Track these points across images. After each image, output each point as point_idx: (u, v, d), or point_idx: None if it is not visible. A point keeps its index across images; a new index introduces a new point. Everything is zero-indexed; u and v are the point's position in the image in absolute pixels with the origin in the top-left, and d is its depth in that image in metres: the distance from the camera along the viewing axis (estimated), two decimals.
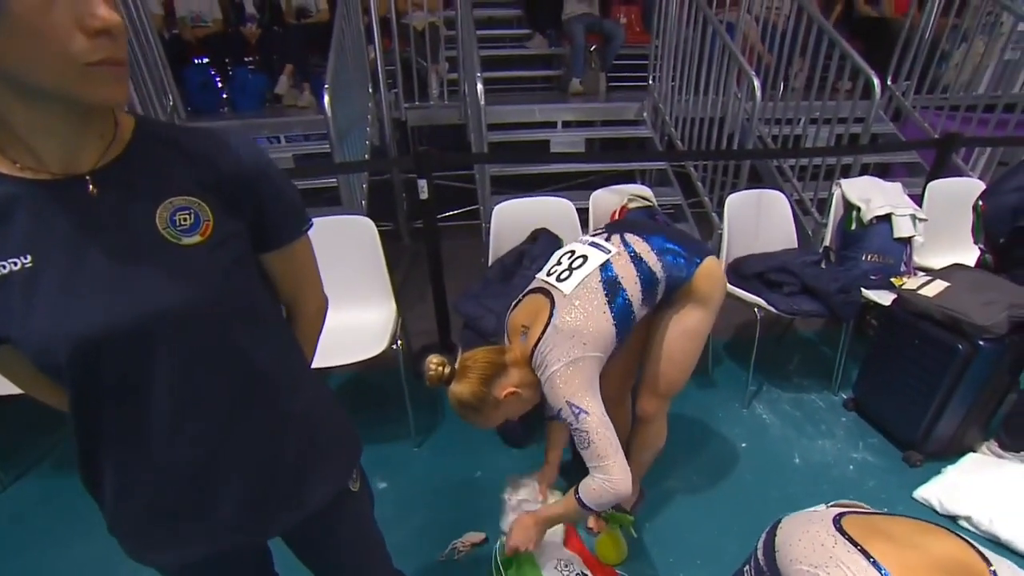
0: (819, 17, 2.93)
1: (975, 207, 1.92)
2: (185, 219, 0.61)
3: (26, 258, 0.55)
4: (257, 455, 0.72)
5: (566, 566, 1.35)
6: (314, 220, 2.03)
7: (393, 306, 1.99)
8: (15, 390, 0.72)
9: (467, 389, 1.19)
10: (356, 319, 1.95)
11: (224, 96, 4.09)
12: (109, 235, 0.58)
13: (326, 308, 0.86)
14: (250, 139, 0.68)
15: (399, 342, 1.88)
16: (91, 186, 0.57)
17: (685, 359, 1.39)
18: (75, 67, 0.50)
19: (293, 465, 0.75)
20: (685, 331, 1.35)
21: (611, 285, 1.21)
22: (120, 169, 0.59)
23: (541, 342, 1.18)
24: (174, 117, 3.39)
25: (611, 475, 1.13)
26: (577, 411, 1.13)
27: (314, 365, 1.62)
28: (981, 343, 1.81)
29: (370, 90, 3.45)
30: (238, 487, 0.71)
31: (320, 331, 0.87)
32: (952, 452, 1.97)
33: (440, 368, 1.20)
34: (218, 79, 4.14)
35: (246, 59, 4.12)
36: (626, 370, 1.55)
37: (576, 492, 1.19)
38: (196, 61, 4.01)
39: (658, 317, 1.38)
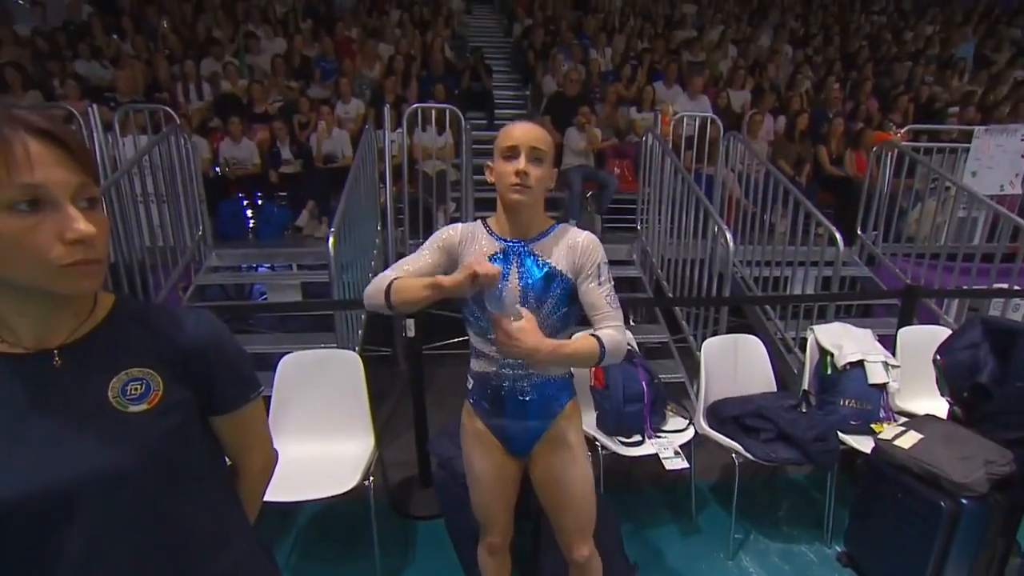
0: (783, 179, 3.26)
1: (934, 361, 1.98)
2: (136, 389, 0.68)
3: None
4: None
5: None
6: (306, 352, 2.14)
7: (371, 440, 2.02)
8: None
9: None
10: (332, 451, 1.99)
11: (250, 225, 4.52)
12: (59, 405, 0.65)
13: (274, 465, 0.91)
14: (207, 315, 0.77)
15: (371, 478, 1.89)
16: (57, 359, 0.65)
17: (591, 492, 1.38)
18: (50, 269, 0.58)
19: None
20: (583, 469, 1.35)
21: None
22: (87, 344, 0.67)
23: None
24: (201, 244, 3.73)
25: (624, 332, 1.20)
26: (608, 272, 1.22)
27: (280, 499, 1.65)
28: (964, 501, 1.77)
29: (379, 227, 3.80)
30: None
31: (265, 487, 0.92)
32: None
33: None
34: (248, 211, 4.61)
35: (278, 194, 4.61)
36: (509, 521, 1.49)
37: (594, 334, 1.17)
38: (239, 195, 4.51)
39: (550, 466, 1.35)
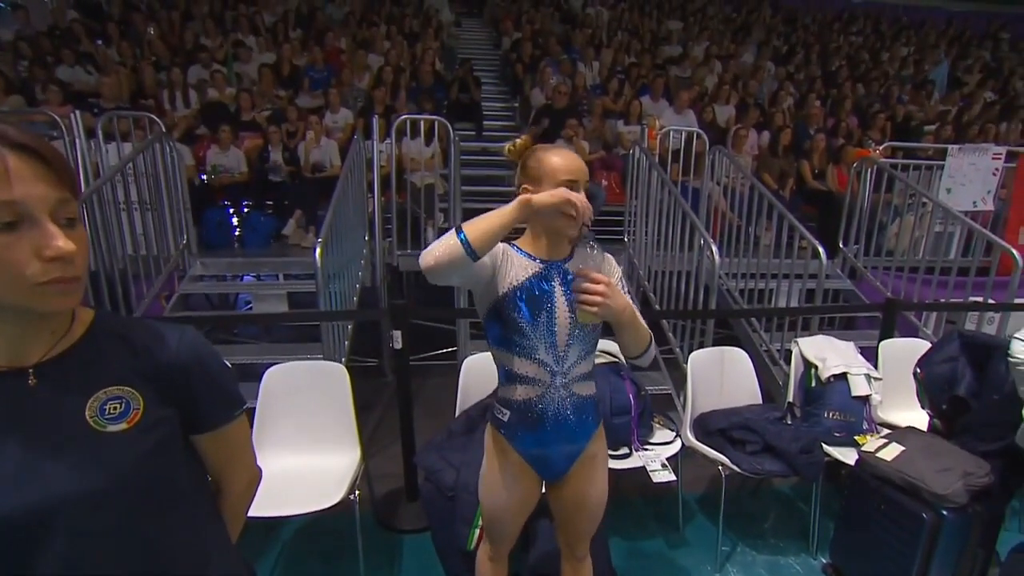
0: (768, 194, 3.32)
1: (915, 374, 2.02)
2: (115, 408, 0.66)
3: None
4: None
5: None
6: (292, 363, 2.11)
7: (357, 453, 2.00)
8: None
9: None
10: (318, 464, 1.96)
11: (236, 233, 4.47)
12: (34, 425, 0.63)
13: (257, 482, 0.90)
14: (190, 331, 0.75)
15: (357, 492, 1.87)
16: (31, 378, 0.63)
17: (605, 501, 1.41)
18: (27, 286, 0.57)
19: None
20: (605, 482, 1.38)
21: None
22: (64, 362, 0.65)
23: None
24: (185, 253, 3.68)
25: None
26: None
27: (264, 514, 1.62)
28: (944, 513, 1.80)
29: (366, 237, 3.78)
30: None
31: (248, 506, 0.90)
32: None
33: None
34: (234, 218, 4.56)
35: (265, 203, 4.58)
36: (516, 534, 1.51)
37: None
38: (225, 203, 4.46)
39: (579, 483, 1.35)
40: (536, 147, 1.22)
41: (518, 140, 1.25)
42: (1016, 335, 1.57)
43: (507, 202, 1.12)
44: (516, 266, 1.20)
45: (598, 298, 1.06)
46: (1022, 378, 1.56)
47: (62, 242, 0.58)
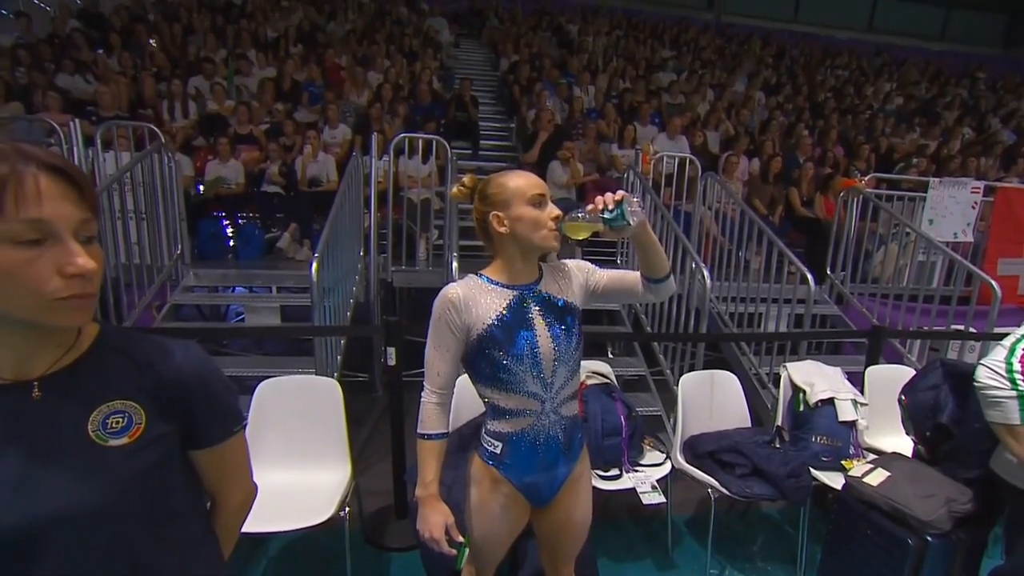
0: (758, 220, 3.39)
1: (900, 401, 2.06)
2: (117, 422, 0.67)
3: None
4: None
5: None
6: (284, 378, 2.11)
7: (348, 469, 1.99)
8: None
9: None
10: (308, 480, 1.95)
11: (230, 244, 4.46)
12: (35, 438, 0.63)
13: (253, 498, 0.90)
14: (194, 347, 0.76)
15: (347, 508, 1.85)
16: (36, 391, 0.64)
17: (590, 521, 1.41)
18: (45, 302, 0.58)
19: None
20: (590, 502, 1.39)
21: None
22: (68, 375, 0.66)
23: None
24: (179, 263, 3.67)
25: None
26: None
27: (253, 530, 1.61)
28: (929, 538, 1.83)
29: (360, 253, 3.80)
30: None
31: (243, 521, 0.90)
32: None
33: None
34: (228, 229, 4.56)
35: (258, 215, 4.58)
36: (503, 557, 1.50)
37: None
38: (220, 214, 4.45)
39: (566, 505, 1.36)
40: (488, 177, 1.23)
41: (464, 179, 1.25)
42: (982, 361, 1.61)
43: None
44: (487, 301, 1.18)
45: (621, 196, 1.09)
46: (986, 403, 1.60)
47: (83, 260, 0.60)
